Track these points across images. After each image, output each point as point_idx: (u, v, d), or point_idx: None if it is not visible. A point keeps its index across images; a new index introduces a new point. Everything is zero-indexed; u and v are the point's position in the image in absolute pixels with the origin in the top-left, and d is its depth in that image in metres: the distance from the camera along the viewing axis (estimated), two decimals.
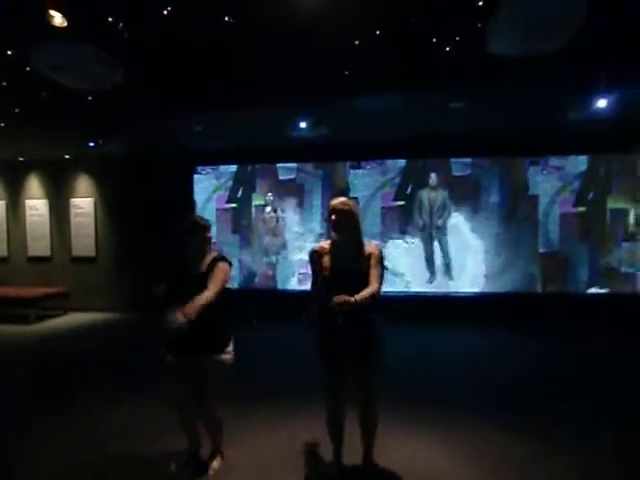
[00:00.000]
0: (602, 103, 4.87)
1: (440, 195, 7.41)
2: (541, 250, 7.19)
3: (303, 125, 5.46)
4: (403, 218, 7.54)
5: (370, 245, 2.65)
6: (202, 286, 2.63)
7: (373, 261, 2.59)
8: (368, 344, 2.59)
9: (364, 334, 2.58)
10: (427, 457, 3.08)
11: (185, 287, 2.68)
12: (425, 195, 7.46)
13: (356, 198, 7.53)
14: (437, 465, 2.97)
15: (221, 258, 2.81)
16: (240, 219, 8.10)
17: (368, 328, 2.60)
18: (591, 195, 7.05)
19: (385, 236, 7.55)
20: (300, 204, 7.87)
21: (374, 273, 2.57)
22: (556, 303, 7.07)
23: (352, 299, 2.34)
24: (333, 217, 2.57)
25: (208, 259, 2.79)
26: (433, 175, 7.40)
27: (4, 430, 3.60)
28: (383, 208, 7.59)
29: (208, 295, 2.57)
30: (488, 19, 3.19)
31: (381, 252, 2.65)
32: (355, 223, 2.60)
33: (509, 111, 5.85)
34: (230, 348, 2.81)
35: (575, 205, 7.10)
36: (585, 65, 4.22)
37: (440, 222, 7.41)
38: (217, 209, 8.17)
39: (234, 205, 8.12)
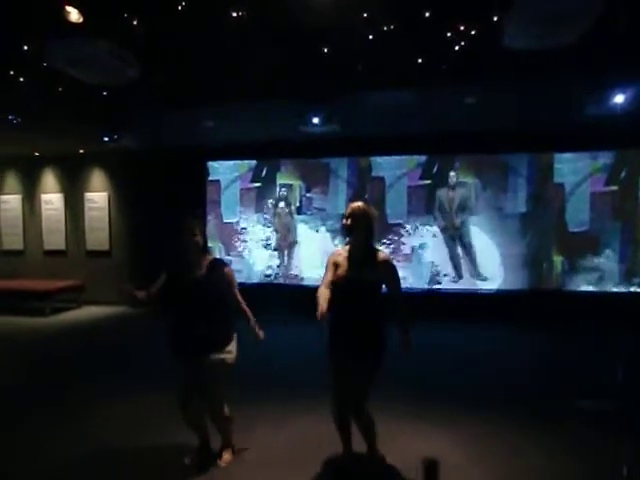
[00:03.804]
0: (620, 98, 4.80)
1: (459, 194, 7.29)
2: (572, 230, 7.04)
3: (316, 121, 5.44)
4: (429, 197, 7.43)
5: (382, 254, 2.66)
6: (203, 289, 2.74)
7: (389, 274, 2.62)
8: (371, 353, 2.60)
9: (370, 343, 2.59)
10: (434, 450, 3.06)
11: (186, 290, 2.76)
12: (444, 195, 7.35)
13: (382, 178, 7.54)
14: (443, 458, 2.96)
15: (222, 262, 2.93)
16: (264, 199, 8.06)
17: (375, 338, 2.61)
18: (623, 174, 6.90)
19: (411, 218, 7.49)
20: (326, 184, 7.81)
21: (395, 289, 2.63)
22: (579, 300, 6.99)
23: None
24: (349, 221, 2.58)
25: (206, 261, 2.84)
26: (452, 174, 7.31)
27: (15, 421, 3.67)
28: (409, 187, 7.50)
29: (245, 307, 2.94)
30: (504, 13, 3.15)
31: (392, 262, 2.67)
32: (369, 228, 2.62)
33: (531, 106, 5.77)
34: (231, 347, 2.83)
35: (607, 184, 6.94)
36: (603, 58, 4.14)
37: (458, 222, 7.31)
38: (241, 189, 8.15)
39: (258, 184, 8.09)
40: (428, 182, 7.41)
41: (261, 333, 2.94)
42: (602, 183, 6.94)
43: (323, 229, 7.79)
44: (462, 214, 7.29)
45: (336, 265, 2.64)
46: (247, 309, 2.95)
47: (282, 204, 7.98)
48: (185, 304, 2.75)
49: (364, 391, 2.64)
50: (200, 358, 2.74)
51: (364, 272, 2.56)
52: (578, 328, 6.44)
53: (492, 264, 7.27)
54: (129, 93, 4.94)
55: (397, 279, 2.65)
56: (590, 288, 7.01)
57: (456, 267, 7.39)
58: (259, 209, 8.09)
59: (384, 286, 2.64)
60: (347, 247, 2.70)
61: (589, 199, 6.97)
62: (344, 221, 2.61)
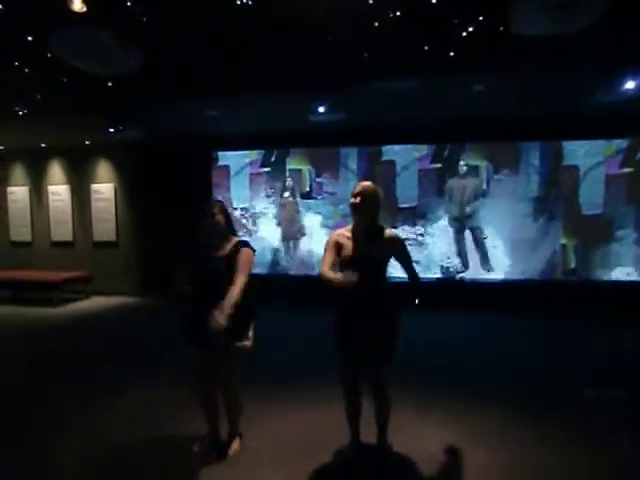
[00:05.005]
0: (631, 84, 4.71)
1: (471, 183, 7.21)
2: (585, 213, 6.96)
3: (322, 109, 5.40)
4: (440, 181, 7.37)
5: (389, 231, 2.66)
6: (223, 269, 2.65)
7: (398, 248, 2.63)
8: (385, 333, 2.59)
9: (382, 322, 2.58)
10: (442, 440, 3.07)
11: (206, 270, 2.70)
12: (455, 184, 7.28)
13: (393, 161, 7.49)
14: (450, 448, 2.97)
15: (244, 244, 2.79)
16: (273, 184, 8.02)
17: (387, 316, 2.60)
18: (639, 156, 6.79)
19: (422, 202, 7.43)
20: (335, 169, 7.75)
21: (407, 262, 2.65)
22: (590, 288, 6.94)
23: (355, 277, 2.30)
24: (358, 199, 2.56)
25: (230, 244, 2.78)
26: (462, 162, 7.24)
27: (21, 415, 3.69)
28: (420, 171, 7.43)
29: (239, 286, 2.58)
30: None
31: (400, 238, 2.70)
32: (376, 207, 2.62)
33: (540, 94, 5.69)
34: (249, 334, 2.82)
35: (622, 166, 6.82)
36: (615, 44, 4.06)
37: (470, 210, 7.23)
38: (251, 174, 8.11)
39: (267, 169, 8.04)
40: (438, 166, 7.33)
41: (219, 318, 2.42)
42: (617, 165, 6.82)
43: (334, 213, 7.72)
44: (474, 202, 7.21)
45: (338, 247, 2.62)
46: (235, 289, 2.55)
47: (287, 194, 7.93)
48: (202, 287, 2.68)
49: (384, 370, 2.66)
50: (217, 346, 2.70)
51: (371, 248, 2.55)
52: (591, 316, 6.37)
53: (503, 253, 7.21)
54: (135, 83, 4.92)
55: (407, 253, 2.66)
56: (604, 275, 6.93)
57: (465, 257, 7.35)
58: (269, 195, 8.06)
59: (398, 263, 2.67)
60: (349, 227, 2.69)
61: (604, 181, 6.87)
62: (352, 199, 2.58)
